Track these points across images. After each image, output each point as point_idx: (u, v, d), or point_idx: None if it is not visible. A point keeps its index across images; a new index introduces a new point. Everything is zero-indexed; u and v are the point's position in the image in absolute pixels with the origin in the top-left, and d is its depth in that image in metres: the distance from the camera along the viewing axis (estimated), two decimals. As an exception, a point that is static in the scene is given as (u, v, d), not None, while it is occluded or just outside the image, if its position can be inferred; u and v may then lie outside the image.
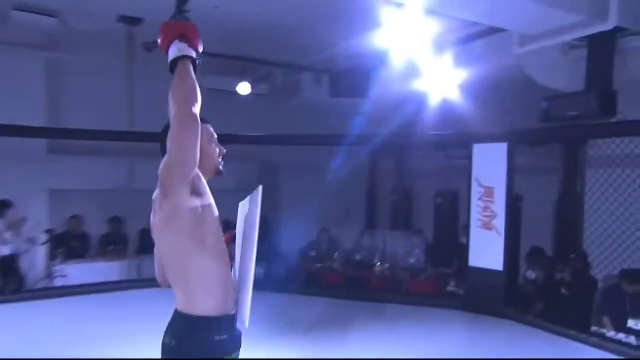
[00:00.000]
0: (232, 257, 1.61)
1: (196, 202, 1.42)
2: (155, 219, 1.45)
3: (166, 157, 1.40)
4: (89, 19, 4.85)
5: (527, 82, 4.72)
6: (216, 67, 5.92)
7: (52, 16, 4.80)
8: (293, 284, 5.33)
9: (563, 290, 4.26)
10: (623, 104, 4.03)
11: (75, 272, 5.42)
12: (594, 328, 3.97)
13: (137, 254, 5.84)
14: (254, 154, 6.42)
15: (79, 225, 5.85)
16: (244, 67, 6.07)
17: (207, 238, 1.44)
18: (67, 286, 5.28)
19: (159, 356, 1.45)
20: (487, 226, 4.89)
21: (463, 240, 5.26)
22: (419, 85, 5.34)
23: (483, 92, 5.02)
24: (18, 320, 4.38)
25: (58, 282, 5.36)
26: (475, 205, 4.97)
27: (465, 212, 5.10)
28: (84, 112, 5.64)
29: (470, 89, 5.11)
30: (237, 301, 1.50)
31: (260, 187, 1.49)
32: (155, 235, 1.48)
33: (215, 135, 1.62)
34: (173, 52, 1.44)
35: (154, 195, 1.48)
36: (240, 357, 1.50)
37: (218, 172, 1.59)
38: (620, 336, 3.78)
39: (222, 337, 1.44)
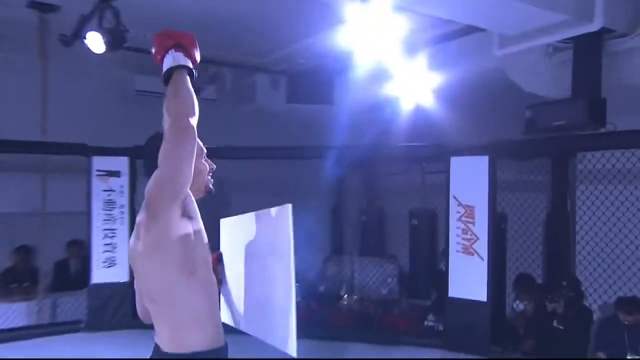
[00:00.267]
0: (219, 281, 1.66)
1: (187, 226, 1.44)
2: (138, 245, 1.45)
3: (156, 173, 1.41)
4: (-9, 4, 4.48)
5: (509, 88, 4.70)
6: (150, 66, 5.62)
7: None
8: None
9: (555, 324, 4.16)
10: (612, 113, 4.03)
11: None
12: (590, 366, 3.88)
13: (50, 291, 5.33)
14: (199, 169, 6.16)
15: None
16: (187, 67, 5.78)
17: (197, 267, 1.44)
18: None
19: None
20: (467, 251, 4.77)
21: (442, 267, 5.13)
22: (389, 90, 5.26)
23: (461, 98, 4.97)
24: None
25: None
26: (454, 227, 4.84)
27: (444, 234, 4.98)
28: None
29: (447, 95, 5.06)
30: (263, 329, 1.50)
31: (289, 207, 1.47)
32: (138, 263, 1.48)
33: (205, 150, 1.65)
34: (168, 62, 1.49)
35: (138, 218, 1.49)
36: None
37: (208, 191, 1.62)
38: (620, 375, 3.70)
39: None
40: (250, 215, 1.61)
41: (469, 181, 4.76)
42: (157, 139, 1.58)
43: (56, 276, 5.46)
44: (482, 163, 4.67)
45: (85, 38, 3.85)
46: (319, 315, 5.44)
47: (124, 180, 5.18)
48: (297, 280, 1.41)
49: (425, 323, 5.14)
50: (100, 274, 5.10)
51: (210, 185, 1.63)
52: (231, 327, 1.75)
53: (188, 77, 1.48)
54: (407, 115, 5.40)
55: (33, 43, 4.74)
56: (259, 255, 1.56)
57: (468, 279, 4.72)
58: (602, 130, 4.07)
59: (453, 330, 4.76)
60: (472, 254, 4.71)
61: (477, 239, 4.66)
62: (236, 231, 1.65)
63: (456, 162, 4.87)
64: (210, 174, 1.65)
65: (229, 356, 1.51)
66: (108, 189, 5.15)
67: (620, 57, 4.20)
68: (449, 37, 4.91)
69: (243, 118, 6.36)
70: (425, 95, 5.19)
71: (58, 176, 5.13)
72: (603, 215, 4.27)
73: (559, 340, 4.13)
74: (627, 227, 4.14)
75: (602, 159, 4.24)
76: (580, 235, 4.50)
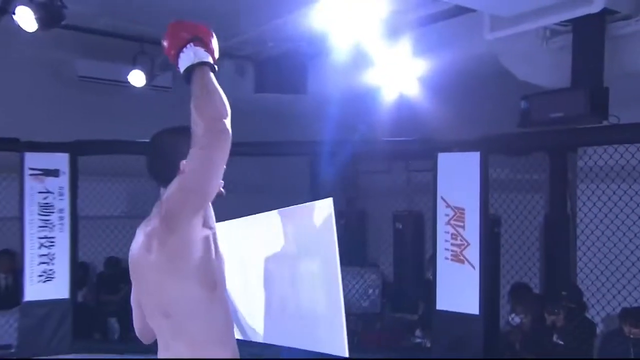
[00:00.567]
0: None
1: (208, 237, 1.49)
2: (150, 257, 1.49)
3: (183, 180, 1.45)
4: None
5: (502, 76, 4.70)
6: (97, 49, 5.44)
7: None
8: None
9: (555, 338, 4.17)
10: (615, 104, 4.05)
11: None
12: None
13: None
14: (153, 167, 6.02)
15: None
16: (138, 49, 5.62)
17: (217, 281, 1.51)
18: None
19: None
20: (457, 258, 4.74)
21: (430, 276, 5.10)
22: (369, 78, 5.22)
23: (449, 87, 4.95)
24: None
25: None
26: (442, 232, 4.80)
27: (432, 239, 4.95)
28: None
29: (433, 84, 5.04)
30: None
31: (330, 202, 1.53)
32: (150, 276, 1.50)
33: None
34: (188, 57, 1.51)
35: (148, 228, 1.53)
36: None
37: (220, 194, 1.64)
38: (626, 395, 3.72)
39: None
40: (261, 217, 1.67)
41: (459, 180, 4.72)
42: (165, 135, 1.66)
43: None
44: (472, 160, 4.63)
45: (14, 13, 3.69)
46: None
47: (63, 181, 4.97)
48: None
49: (412, 339, 5.12)
50: (34, 290, 4.86)
51: (222, 188, 1.64)
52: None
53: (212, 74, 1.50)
54: (390, 106, 5.37)
55: None
56: (282, 257, 1.62)
57: (458, 289, 4.68)
58: (605, 123, 4.08)
59: (442, 347, 4.71)
60: (463, 262, 4.68)
61: (468, 244, 4.63)
62: (239, 235, 1.71)
63: (444, 159, 4.82)
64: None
65: None
66: (44, 190, 4.93)
67: (623, 41, 4.22)
68: (435, 19, 4.89)
69: (204, 109, 6.27)
70: (409, 84, 5.18)
71: None
72: (606, 217, 4.28)
73: (559, 357, 4.13)
74: (632, 231, 4.16)
75: (604, 155, 4.25)
76: (582, 239, 4.52)
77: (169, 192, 1.49)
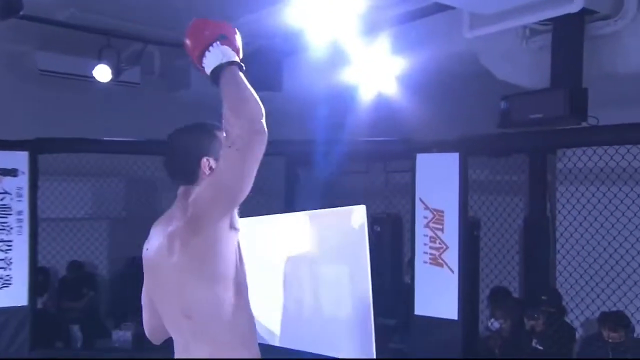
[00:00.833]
0: None
1: (234, 239, 1.53)
2: (172, 258, 1.50)
3: (214, 182, 1.47)
4: None
5: (482, 75, 4.75)
6: (60, 42, 5.34)
7: None
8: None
9: (534, 344, 4.23)
10: (594, 105, 4.14)
11: None
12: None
13: None
14: (119, 167, 5.94)
15: None
16: (104, 43, 5.52)
17: (242, 282, 1.55)
18: None
19: None
20: (436, 262, 4.78)
21: (409, 280, 5.13)
22: (346, 76, 5.22)
23: (428, 86, 4.98)
24: None
25: None
26: (421, 235, 4.84)
27: (411, 242, 4.98)
28: None
29: (412, 83, 5.06)
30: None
31: (363, 208, 1.64)
32: (173, 277, 1.51)
33: None
34: (215, 57, 1.52)
35: (170, 228, 1.53)
36: None
37: None
38: (604, 400, 3.80)
39: None
40: (287, 217, 1.78)
41: (438, 182, 4.76)
42: (184, 133, 1.68)
43: None
44: (451, 161, 4.68)
45: (-34, 2, 3.56)
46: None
47: (22, 181, 4.86)
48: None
49: (390, 345, 5.11)
50: (-10, 297, 4.77)
51: None
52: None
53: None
54: (368, 105, 5.38)
55: None
56: (306, 260, 1.72)
57: (437, 294, 4.71)
58: (584, 124, 4.16)
59: (420, 353, 4.74)
60: (441, 265, 4.72)
61: (447, 247, 4.67)
62: (259, 233, 1.77)
63: (423, 160, 4.86)
64: None
65: None
66: (1, 191, 4.82)
67: (602, 42, 4.31)
68: (414, 16, 4.91)
69: (174, 107, 6.16)
70: (388, 82, 5.18)
71: None
72: (585, 220, 4.38)
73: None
74: (610, 234, 4.26)
75: (583, 157, 4.34)
76: (561, 242, 4.61)
77: (198, 192, 1.50)
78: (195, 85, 6.30)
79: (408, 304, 4.97)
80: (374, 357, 1.48)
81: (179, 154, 1.65)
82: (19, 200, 4.88)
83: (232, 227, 1.53)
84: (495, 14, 4.30)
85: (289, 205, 7.32)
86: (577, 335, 4.35)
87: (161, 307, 1.67)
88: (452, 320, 4.57)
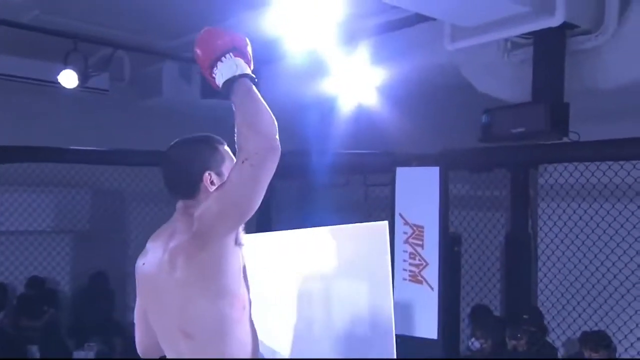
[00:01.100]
0: None
1: (239, 255, 1.57)
2: (174, 274, 1.52)
3: (222, 197, 1.49)
4: None
5: (464, 88, 4.83)
6: (23, 45, 5.28)
7: None
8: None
9: (515, 364, 4.28)
10: (575, 120, 4.25)
11: None
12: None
13: None
14: (85, 178, 5.90)
15: None
16: (70, 47, 5.48)
17: (247, 299, 1.59)
18: None
19: None
20: (415, 279, 4.81)
21: (386, 298, 5.16)
22: (325, 86, 5.27)
23: (409, 98, 5.04)
24: None
25: None
26: (400, 251, 4.87)
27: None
28: None
29: (393, 94, 5.12)
30: None
31: (385, 225, 1.69)
32: (174, 293, 1.52)
33: None
34: (229, 69, 1.54)
35: (173, 243, 1.55)
36: None
37: None
38: (586, 422, 3.85)
39: None
40: (307, 233, 1.80)
41: (418, 196, 4.81)
42: (185, 146, 1.71)
43: None
44: (432, 175, 4.73)
45: None
46: None
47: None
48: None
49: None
50: None
51: None
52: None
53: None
54: (348, 116, 5.41)
55: None
56: (323, 276, 1.72)
57: (416, 312, 4.73)
58: (565, 139, 4.27)
59: (399, 375, 4.78)
60: (421, 282, 4.75)
61: (427, 264, 4.71)
62: (277, 249, 1.82)
63: (403, 174, 4.91)
64: None
65: None
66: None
67: (583, 57, 4.45)
68: (394, 26, 5.00)
69: (145, 115, 6.20)
70: (368, 93, 5.23)
71: None
72: (566, 237, 4.46)
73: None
74: (592, 252, 4.35)
75: (564, 173, 4.44)
76: (542, 260, 4.69)
77: (205, 207, 1.51)
78: (167, 93, 6.29)
79: (386, 323, 5.00)
80: None
81: (180, 168, 1.67)
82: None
83: (237, 242, 1.57)
84: (477, 27, 4.39)
85: (264, 218, 7.30)
86: (559, 355, 4.40)
87: (157, 325, 1.67)
88: (432, 340, 4.60)
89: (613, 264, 4.29)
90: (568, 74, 4.33)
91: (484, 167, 5.01)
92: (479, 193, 5.32)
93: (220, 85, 1.58)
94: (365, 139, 5.37)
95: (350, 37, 4.91)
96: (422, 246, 4.77)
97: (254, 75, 1.60)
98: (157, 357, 1.73)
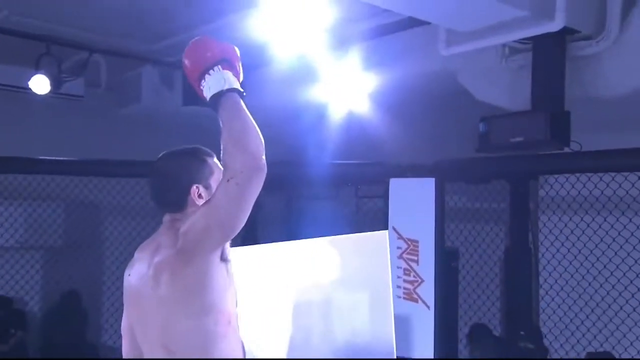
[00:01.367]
0: None
1: (224, 271, 1.61)
2: (158, 289, 1.57)
3: (208, 213, 1.53)
4: None
5: (460, 95, 4.85)
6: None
7: None
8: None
9: (515, 387, 4.27)
10: (576, 129, 4.27)
11: None
12: None
13: None
14: (57, 190, 5.81)
15: None
16: (42, 50, 5.45)
17: (232, 315, 1.63)
18: None
19: None
20: (410, 296, 4.80)
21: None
22: (314, 93, 5.27)
23: (403, 106, 5.05)
24: None
25: None
26: (394, 267, 4.84)
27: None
28: None
29: (386, 101, 5.12)
30: None
31: (385, 234, 1.77)
32: (157, 309, 1.57)
33: None
34: (217, 82, 1.58)
35: (157, 258, 1.60)
36: None
37: None
38: None
39: None
40: (306, 243, 1.89)
41: (412, 209, 4.80)
42: (173, 159, 1.75)
43: None
44: (427, 187, 4.73)
45: None
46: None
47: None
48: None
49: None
50: None
51: None
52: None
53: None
54: (338, 124, 5.41)
55: None
56: (321, 287, 1.82)
57: (411, 331, 4.71)
58: (566, 149, 4.28)
59: (392, 399, 4.75)
60: (416, 301, 4.73)
61: (422, 281, 4.69)
62: (272, 261, 1.92)
63: (396, 185, 4.90)
64: None
65: None
66: None
67: (584, 63, 4.47)
68: (387, 30, 5.01)
69: (122, 123, 6.19)
70: (359, 100, 5.24)
71: None
72: (569, 252, 4.46)
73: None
74: (595, 267, 4.35)
75: (566, 184, 4.45)
76: (544, 276, 4.68)
77: (191, 223, 1.56)
78: (146, 100, 6.26)
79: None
80: None
81: (168, 181, 1.72)
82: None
83: (223, 258, 1.62)
84: (473, 31, 4.40)
85: (250, 232, 7.27)
86: (562, 378, 4.39)
87: (141, 338, 1.71)
88: (428, 361, 4.60)
89: (618, 280, 4.29)
90: (568, 81, 4.34)
91: (482, 178, 5.01)
92: (477, 205, 5.32)
93: (208, 99, 1.62)
94: (357, 148, 5.37)
95: (341, 42, 4.92)
96: (417, 262, 4.75)
97: (242, 90, 1.63)
98: None
